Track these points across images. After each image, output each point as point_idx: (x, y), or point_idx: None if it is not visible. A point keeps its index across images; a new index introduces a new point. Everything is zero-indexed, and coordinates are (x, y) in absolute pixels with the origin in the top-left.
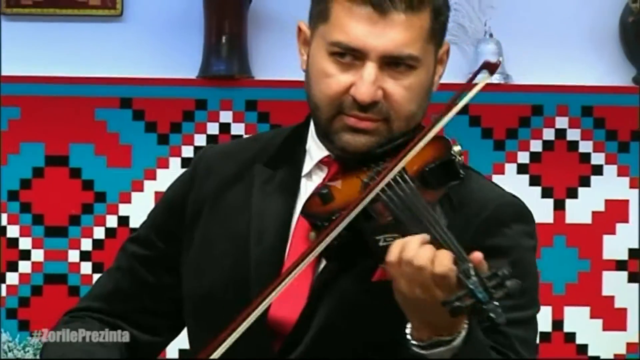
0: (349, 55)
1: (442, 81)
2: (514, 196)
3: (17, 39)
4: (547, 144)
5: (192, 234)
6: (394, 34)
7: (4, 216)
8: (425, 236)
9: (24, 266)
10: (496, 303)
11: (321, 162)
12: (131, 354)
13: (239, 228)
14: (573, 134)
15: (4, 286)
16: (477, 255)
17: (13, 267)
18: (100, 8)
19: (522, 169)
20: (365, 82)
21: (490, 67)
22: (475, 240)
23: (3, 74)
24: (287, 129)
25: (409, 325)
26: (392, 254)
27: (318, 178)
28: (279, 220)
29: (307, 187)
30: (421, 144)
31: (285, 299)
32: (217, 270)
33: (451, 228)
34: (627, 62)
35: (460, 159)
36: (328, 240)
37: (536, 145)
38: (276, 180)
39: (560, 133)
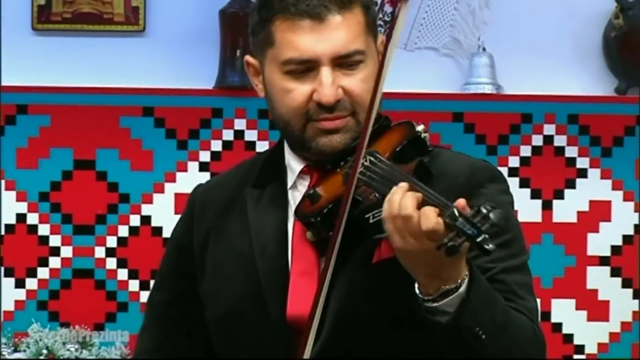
0: (303, 68)
1: (440, 91)
2: (484, 161)
3: (47, 53)
4: (535, 149)
5: (203, 265)
6: (337, 35)
7: (36, 216)
8: (404, 185)
9: (54, 262)
10: (486, 235)
11: (302, 173)
12: None
13: (243, 247)
14: (560, 140)
15: (35, 280)
16: (461, 201)
17: (44, 263)
18: (125, 24)
19: (512, 172)
20: (325, 85)
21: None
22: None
23: (34, 84)
24: (265, 152)
25: (417, 285)
26: (383, 212)
27: (303, 187)
28: (276, 230)
29: (294, 197)
30: (374, 109)
31: (298, 297)
32: (231, 289)
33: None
34: (610, 74)
35: (425, 135)
36: (340, 228)
37: (526, 151)
38: (266, 197)
39: (548, 139)
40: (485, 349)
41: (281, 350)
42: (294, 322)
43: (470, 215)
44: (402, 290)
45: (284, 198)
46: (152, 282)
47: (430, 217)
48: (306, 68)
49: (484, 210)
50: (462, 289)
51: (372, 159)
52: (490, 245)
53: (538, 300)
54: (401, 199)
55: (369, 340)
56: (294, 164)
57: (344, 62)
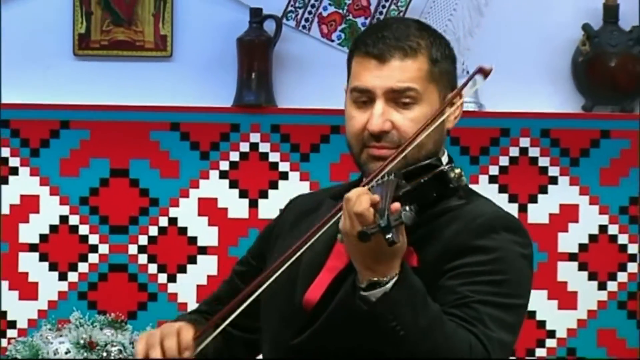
0: (364, 99)
1: None
2: (508, 213)
3: (87, 75)
4: (513, 160)
5: (273, 250)
6: (394, 74)
7: (77, 217)
8: (364, 189)
9: (93, 257)
10: (393, 231)
11: None
12: (225, 344)
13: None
14: (534, 152)
15: (76, 274)
16: (395, 204)
17: (84, 258)
18: (154, 50)
19: (492, 179)
20: (375, 115)
21: (484, 72)
22: (467, 239)
23: (75, 103)
24: (358, 177)
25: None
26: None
27: None
28: (330, 234)
29: None
30: (419, 139)
31: (316, 286)
32: (280, 275)
33: (452, 231)
34: (578, 94)
35: (453, 176)
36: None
37: (504, 161)
38: (336, 208)
39: (524, 151)
40: (405, 346)
41: (291, 326)
42: (307, 305)
43: (391, 215)
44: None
45: None
46: (178, 276)
47: (363, 203)
48: (366, 99)
49: (403, 211)
50: (389, 285)
51: (393, 176)
52: (392, 238)
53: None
54: (353, 191)
55: (356, 332)
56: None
57: (397, 98)
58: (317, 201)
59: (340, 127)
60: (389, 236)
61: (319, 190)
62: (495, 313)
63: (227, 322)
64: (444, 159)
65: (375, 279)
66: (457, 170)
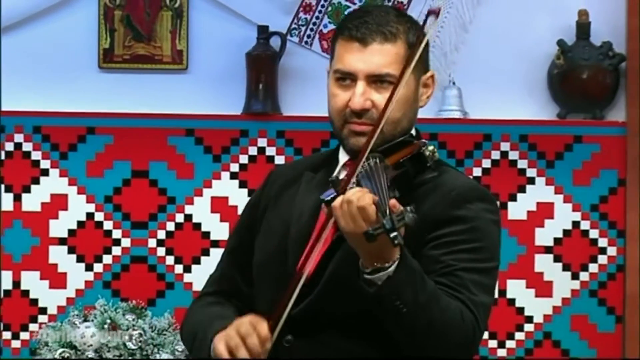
0: (347, 79)
1: (420, 116)
2: (478, 184)
3: (110, 86)
4: (494, 162)
5: (261, 222)
6: (375, 58)
7: (102, 214)
8: (363, 188)
9: (116, 250)
10: (398, 232)
11: (345, 165)
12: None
13: (287, 215)
14: (513, 155)
15: (101, 265)
16: (392, 201)
17: (108, 251)
18: (171, 64)
19: (476, 180)
20: (357, 94)
21: (435, 13)
22: (445, 211)
23: (100, 111)
24: (332, 148)
25: (360, 260)
26: (337, 200)
27: (343, 176)
28: (312, 207)
29: None
30: (381, 125)
31: (308, 257)
32: (270, 245)
33: (430, 202)
34: (553, 103)
35: (429, 153)
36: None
37: (486, 163)
38: (316, 179)
39: (504, 154)
40: (406, 320)
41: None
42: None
43: (394, 215)
44: None
45: (326, 183)
46: (193, 267)
47: (366, 199)
48: (349, 80)
49: (405, 214)
50: (392, 268)
51: (377, 161)
52: (398, 240)
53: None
54: (352, 191)
55: (351, 300)
56: (341, 157)
57: (377, 80)
58: (296, 173)
59: None
60: (394, 237)
61: (297, 161)
62: (476, 278)
63: (290, 306)
64: (413, 132)
65: (379, 265)
66: (431, 148)
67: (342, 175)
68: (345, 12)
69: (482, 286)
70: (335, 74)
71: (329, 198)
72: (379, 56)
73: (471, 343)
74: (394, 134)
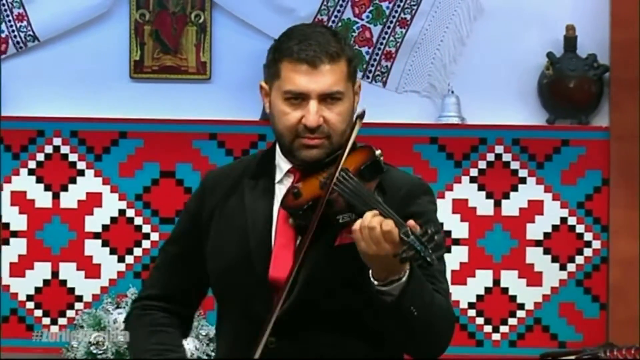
0: (298, 98)
1: (418, 121)
2: (419, 178)
3: (140, 94)
4: (489, 163)
5: (208, 230)
6: (325, 79)
7: (133, 211)
8: (375, 212)
9: (146, 244)
10: (430, 252)
11: (288, 172)
12: (182, 326)
13: (240, 222)
14: (507, 157)
15: (132, 257)
16: (411, 222)
17: (138, 244)
18: (196, 74)
19: (473, 179)
20: (311, 113)
21: (360, 115)
22: (399, 210)
23: (131, 117)
24: (262, 151)
25: (370, 272)
26: (356, 225)
27: (287, 182)
28: (265, 214)
29: (280, 190)
30: (347, 151)
31: (278, 263)
32: (230, 252)
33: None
34: (543, 109)
35: (381, 158)
36: (315, 223)
37: (482, 164)
38: (259, 187)
39: (498, 156)
40: (416, 321)
41: (262, 302)
42: (274, 282)
43: (419, 235)
44: (354, 265)
45: (272, 189)
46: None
47: (390, 224)
48: (300, 99)
49: (430, 232)
50: (404, 279)
51: (344, 174)
52: (433, 259)
53: (490, 272)
54: (371, 217)
55: (328, 299)
56: (282, 164)
57: (327, 97)
58: (233, 180)
59: None
60: (431, 261)
61: (229, 167)
62: (438, 267)
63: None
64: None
65: (392, 277)
66: (378, 152)
67: (286, 181)
68: (354, 28)
69: (442, 274)
70: (286, 94)
71: (296, 213)
72: (329, 76)
73: (453, 327)
74: (341, 142)
